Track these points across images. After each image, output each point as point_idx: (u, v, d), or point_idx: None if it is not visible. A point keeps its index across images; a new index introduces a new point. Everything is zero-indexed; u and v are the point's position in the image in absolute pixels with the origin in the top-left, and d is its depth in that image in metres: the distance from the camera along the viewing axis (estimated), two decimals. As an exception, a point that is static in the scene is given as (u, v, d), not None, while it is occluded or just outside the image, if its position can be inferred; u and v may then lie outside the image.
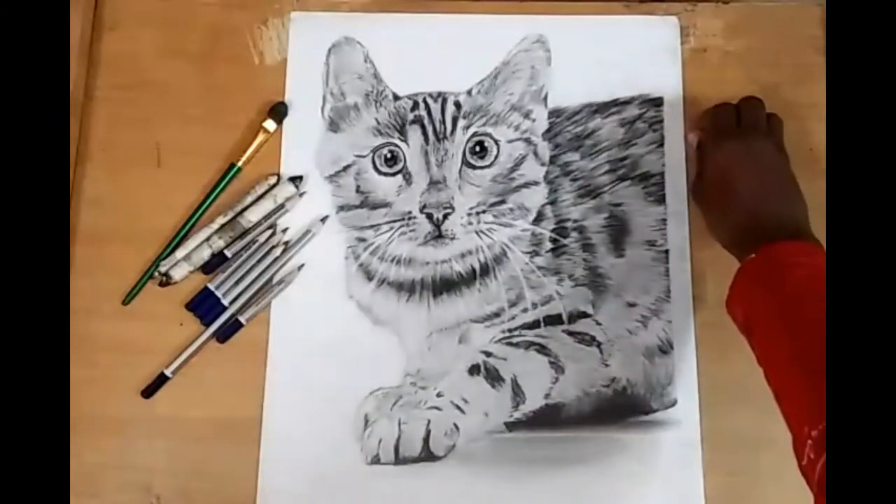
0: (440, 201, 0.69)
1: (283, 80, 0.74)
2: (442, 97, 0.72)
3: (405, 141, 0.71)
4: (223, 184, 0.71)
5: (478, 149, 0.71)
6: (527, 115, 0.72)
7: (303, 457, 0.67)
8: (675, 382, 0.68)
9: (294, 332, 0.69)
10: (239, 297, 0.69)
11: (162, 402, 0.68)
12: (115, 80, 0.74)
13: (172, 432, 0.67)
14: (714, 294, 0.69)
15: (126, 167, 0.72)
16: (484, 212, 0.70)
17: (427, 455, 0.66)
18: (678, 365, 0.68)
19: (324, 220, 0.71)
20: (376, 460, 0.67)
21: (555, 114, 0.73)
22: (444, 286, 0.70)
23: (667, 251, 0.71)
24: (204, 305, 0.69)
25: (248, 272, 0.70)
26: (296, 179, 0.71)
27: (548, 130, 0.73)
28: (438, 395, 0.68)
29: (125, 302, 0.70)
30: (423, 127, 0.71)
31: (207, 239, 0.70)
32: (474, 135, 0.71)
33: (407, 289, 0.70)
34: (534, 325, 0.69)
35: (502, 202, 0.71)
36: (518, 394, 0.68)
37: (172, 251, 0.70)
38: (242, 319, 0.69)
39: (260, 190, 0.71)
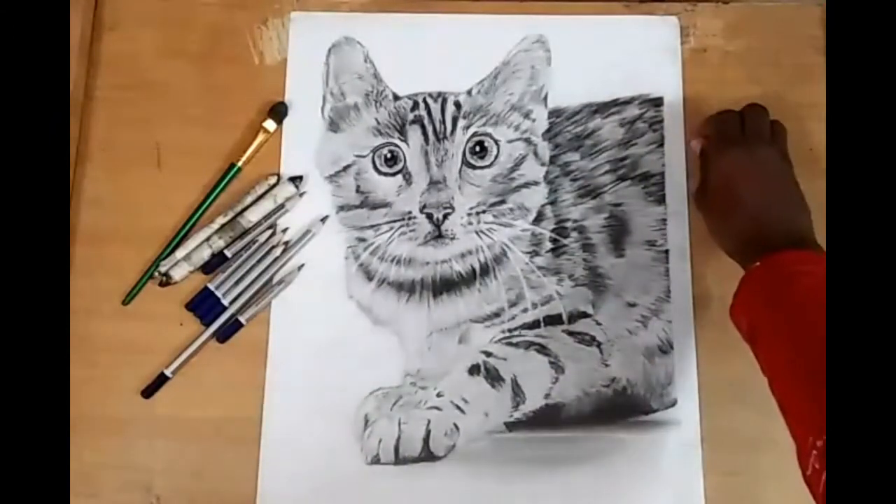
0: (440, 201, 0.69)
1: (283, 80, 0.74)
2: (442, 97, 0.72)
3: (405, 141, 0.71)
4: (223, 184, 0.71)
5: (478, 149, 0.71)
6: (527, 115, 0.73)
7: (303, 457, 0.67)
8: (675, 382, 0.68)
9: (294, 332, 0.69)
10: (239, 297, 0.69)
11: (162, 402, 0.68)
12: (115, 80, 0.74)
13: (172, 432, 0.67)
14: (714, 294, 0.69)
15: (126, 167, 0.72)
16: (484, 212, 0.70)
17: (427, 455, 0.66)
18: (678, 365, 0.68)
19: (324, 220, 0.71)
20: (376, 460, 0.67)
21: (555, 114, 0.73)
22: (444, 286, 0.70)
23: (667, 251, 0.71)
24: (204, 305, 0.69)
25: (248, 272, 0.70)
26: (296, 179, 0.71)
27: (548, 130, 0.73)
28: (438, 395, 0.68)
29: (125, 302, 0.70)
30: (423, 127, 0.71)
31: (207, 239, 0.70)
32: (474, 135, 0.71)
33: (407, 289, 0.70)
34: (534, 325, 0.69)
35: (502, 202, 0.71)
36: (518, 394, 0.68)
37: (172, 251, 0.70)
38: (242, 319, 0.69)
39: (260, 190, 0.71)
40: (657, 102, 0.73)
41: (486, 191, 0.71)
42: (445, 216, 0.69)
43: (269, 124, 0.72)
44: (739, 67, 0.74)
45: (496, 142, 0.71)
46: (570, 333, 0.69)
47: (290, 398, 0.68)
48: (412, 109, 0.72)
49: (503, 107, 0.72)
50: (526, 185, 0.71)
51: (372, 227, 0.71)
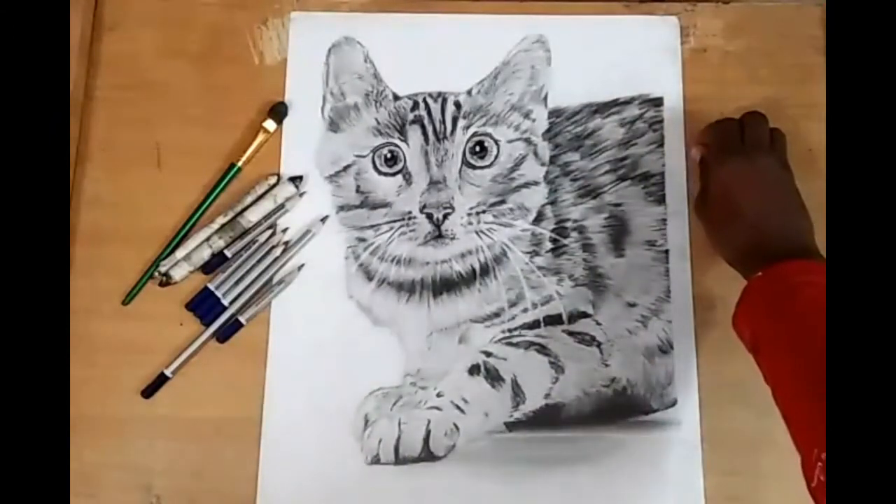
0: (440, 201, 0.69)
1: (283, 80, 0.74)
2: (442, 97, 0.72)
3: (405, 141, 0.71)
4: (223, 184, 0.71)
5: (478, 149, 0.71)
6: (527, 115, 0.73)
7: (303, 457, 0.67)
8: (675, 382, 0.68)
9: (294, 332, 0.69)
10: (239, 297, 0.69)
11: (162, 402, 0.68)
12: (115, 80, 0.74)
13: (172, 432, 0.67)
14: (714, 294, 0.69)
15: (126, 167, 0.72)
16: (484, 212, 0.70)
17: (427, 455, 0.66)
18: (678, 365, 0.68)
19: (324, 220, 0.71)
20: (376, 460, 0.67)
21: (555, 114, 0.73)
22: (444, 286, 0.70)
23: (667, 251, 0.71)
24: (204, 305, 0.69)
25: (248, 272, 0.70)
26: (296, 179, 0.71)
27: (548, 130, 0.73)
28: (438, 395, 0.68)
29: (125, 302, 0.70)
30: (423, 127, 0.71)
31: (207, 239, 0.70)
32: (474, 135, 0.71)
33: (407, 289, 0.70)
34: (534, 325, 0.69)
35: (502, 202, 0.71)
36: (518, 394, 0.68)
37: (172, 251, 0.70)
38: (242, 319, 0.69)
39: (260, 190, 0.71)
40: (657, 102, 0.73)
41: (486, 191, 0.71)
42: (445, 216, 0.69)
43: (269, 124, 0.72)
44: (739, 67, 0.74)
45: (496, 142, 0.71)
46: (570, 333, 0.69)
47: (290, 398, 0.68)
48: (412, 109, 0.72)
49: (503, 107, 0.72)
50: (526, 185, 0.71)
51: (372, 227, 0.71)
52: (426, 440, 0.66)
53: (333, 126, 0.73)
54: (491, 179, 0.71)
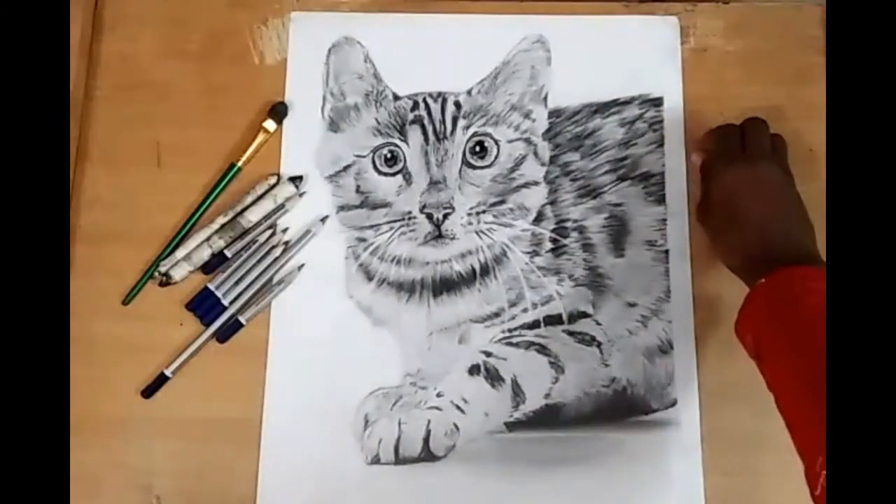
0: (440, 201, 0.69)
1: (283, 80, 0.74)
2: (442, 97, 0.72)
3: (405, 141, 0.71)
4: (223, 184, 0.71)
5: (478, 149, 0.71)
6: (527, 115, 0.73)
7: (303, 457, 0.67)
8: (675, 382, 0.68)
9: (294, 332, 0.69)
10: (239, 297, 0.69)
11: (162, 402, 0.68)
12: (115, 80, 0.74)
13: (172, 432, 0.67)
14: (714, 294, 0.69)
15: (126, 167, 0.72)
16: (484, 212, 0.70)
17: (427, 455, 0.66)
18: (678, 365, 0.68)
19: (324, 220, 0.71)
20: (376, 460, 0.67)
21: (555, 114, 0.73)
22: (444, 286, 0.70)
23: (667, 251, 0.71)
24: (204, 305, 0.69)
25: (248, 272, 0.70)
26: (296, 179, 0.71)
27: (548, 130, 0.73)
28: (438, 395, 0.68)
29: (125, 302, 0.70)
30: (423, 127, 0.71)
31: (207, 239, 0.70)
32: (474, 135, 0.71)
33: (407, 289, 0.70)
34: (534, 325, 0.69)
35: (502, 202, 0.71)
36: (518, 394, 0.68)
37: (172, 251, 0.70)
38: (242, 319, 0.69)
39: (260, 190, 0.71)
40: (657, 102, 0.73)
41: (486, 191, 0.71)
42: (445, 216, 0.69)
43: (269, 124, 0.72)
44: (739, 67, 0.74)
45: (496, 142, 0.71)
46: (570, 333, 0.69)
47: (290, 398, 0.68)
48: (412, 109, 0.72)
49: (503, 107, 0.72)
50: (526, 185, 0.71)
51: (372, 227, 0.71)
52: (426, 440, 0.66)
53: (333, 126, 0.73)
54: (491, 179, 0.71)
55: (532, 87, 0.73)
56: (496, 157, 0.71)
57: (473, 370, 0.68)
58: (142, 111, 0.73)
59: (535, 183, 0.71)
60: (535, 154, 0.72)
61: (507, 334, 0.69)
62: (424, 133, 0.71)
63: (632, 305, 0.70)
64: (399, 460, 0.66)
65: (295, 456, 0.67)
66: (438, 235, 0.69)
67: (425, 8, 0.75)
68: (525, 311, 0.69)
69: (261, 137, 0.72)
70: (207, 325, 0.69)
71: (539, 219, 0.71)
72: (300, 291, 0.70)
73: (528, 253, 0.70)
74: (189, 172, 0.72)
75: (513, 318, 0.69)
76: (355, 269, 0.71)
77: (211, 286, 0.69)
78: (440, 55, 0.74)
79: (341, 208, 0.71)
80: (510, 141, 0.72)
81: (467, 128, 0.71)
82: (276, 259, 0.70)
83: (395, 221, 0.70)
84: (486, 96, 0.72)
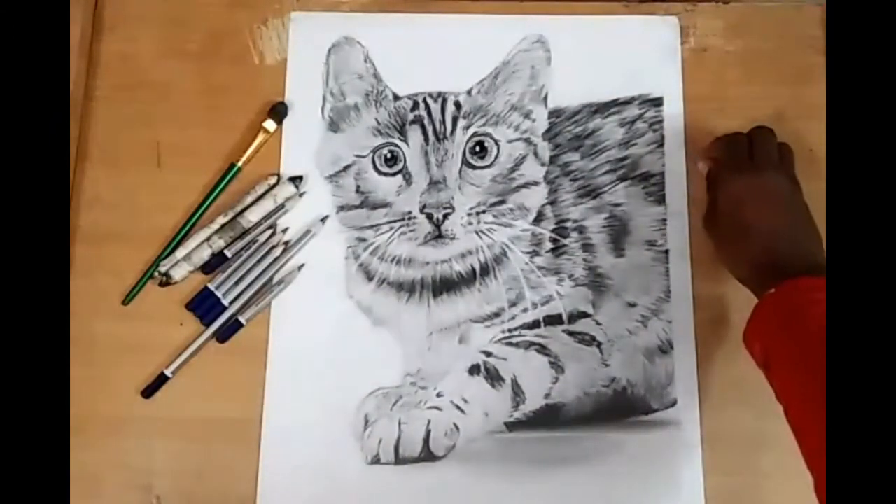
0: (440, 201, 0.69)
1: (283, 80, 0.74)
2: (442, 97, 0.72)
3: (405, 141, 0.71)
4: (223, 184, 0.71)
5: (478, 149, 0.71)
6: (527, 115, 0.73)
7: (303, 457, 0.67)
8: (675, 382, 0.68)
9: (294, 332, 0.69)
10: (239, 297, 0.69)
11: (162, 402, 0.68)
12: (115, 80, 0.74)
13: (172, 432, 0.67)
14: (714, 294, 0.69)
15: (126, 167, 0.72)
16: (484, 212, 0.70)
17: (427, 455, 0.66)
18: (678, 365, 0.68)
19: (324, 220, 0.71)
20: (376, 460, 0.67)
21: (555, 114, 0.73)
22: (444, 286, 0.70)
23: (667, 251, 0.71)
24: (204, 305, 0.69)
25: (248, 272, 0.70)
26: (296, 179, 0.71)
27: (548, 130, 0.73)
28: (438, 395, 0.68)
29: (125, 302, 0.70)
30: (423, 127, 0.71)
31: (207, 239, 0.70)
32: (474, 135, 0.71)
33: (407, 289, 0.70)
34: (534, 325, 0.69)
35: (502, 202, 0.71)
36: (518, 394, 0.68)
37: (172, 251, 0.70)
38: (242, 319, 0.69)
39: (260, 190, 0.71)
40: (657, 102, 0.73)
41: (486, 191, 0.71)
42: (445, 216, 0.69)
43: (269, 124, 0.72)
44: (739, 67, 0.74)
45: (496, 142, 0.71)
46: (570, 333, 0.69)
47: (290, 398, 0.68)
48: (412, 109, 0.72)
49: (503, 107, 0.72)
50: (526, 185, 0.71)
51: (372, 227, 0.71)
52: (426, 440, 0.66)
53: (333, 126, 0.73)
54: (491, 179, 0.71)
55: (532, 87, 0.73)
56: (496, 157, 0.71)
57: (473, 370, 0.68)
58: (142, 111, 0.73)
59: (535, 183, 0.71)
60: (535, 154, 0.72)
61: (507, 334, 0.69)
62: (424, 133, 0.71)
63: (632, 305, 0.70)
64: (399, 460, 0.66)
65: (295, 456, 0.67)
66: (438, 235, 0.69)
67: (425, 8, 0.75)
68: (525, 311, 0.69)
69: (261, 137, 0.72)
70: (207, 325, 0.69)
71: (539, 219, 0.71)
72: (300, 291, 0.70)
73: (528, 253, 0.70)
74: (189, 172, 0.72)
75: (513, 318, 0.69)
76: (355, 269, 0.71)
77: (211, 286, 0.69)
78: (440, 55, 0.74)
79: (341, 208, 0.71)
80: (510, 141, 0.72)
81: (467, 128, 0.71)
82: (276, 259, 0.70)
83: (395, 221, 0.70)
84: (486, 96, 0.72)
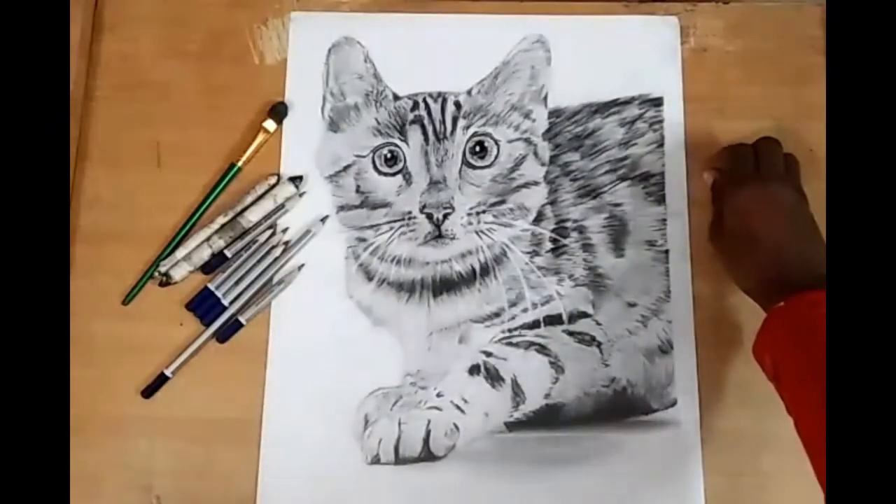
0: (440, 201, 0.69)
1: (283, 80, 0.74)
2: (442, 97, 0.72)
3: (405, 141, 0.71)
4: (223, 184, 0.71)
5: (478, 149, 0.71)
6: (527, 115, 0.73)
7: (303, 457, 0.67)
8: (675, 382, 0.68)
9: (294, 332, 0.69)
10: (239, 297, 0.69)
11: (162, 402, 0.68)
12: (115, 80, 0.74)
13: (172, 432, 0.67)
14: (714, 294, 0.69)
15: (126, 167, 0.72)
16: (484, 212, 0.70)
17: (427, 455, 0.66)
18: (678, 365, 0.68)
19: (324, 220, 0.71)
20: (376, 460, 0.67)
21: (555, 114, 0.73)
22: (444, 286, 0.70)
23: (667, 251, 0.71)
24: (204, 305, 0.69)
25: (248, 272, 0.70)
26: (296, 179, 0.71)
27: (548, 130, 0.73)
28: (438, 395, 0.68)
29: (125, 302, 0.70)
30: (423, 127, 0.71)
31: (207, 239, 0.70)
32: (474, 135, 0.71)
33: (407, 289, 0.70)
34: (534, 325, 0.69)
35: (502, 202, 0.71)
36: (518, 394, 0.68)
37: (172, 251, 0.70)
38: (242, 319, 0.69)
39: (260, 190, 0.71)
40: (657, 102, 0.73)
41: (486, 191, 0.71)
42: (445, 216, 0.69)
43: (269, 124, 0.72)
44: (739, 67, 0.74)
45: (496, 142, 0.71)
46: (570, 333, 0.69)
47: (290, 398, 0.68)
48: (412, 109, 0.72)
49: (503, 107, 0.72)
50: (526, 185, 0.71)
51: (372, 227, 0.71)
52: (426, 440, 0.66)
53: (333, 126, 0.73)
54: (491, 179, 0.71)
55: (532, 87, 0.73)
56: (496, 157, 0.71)
57: (473, 370, 0.68)
58: (142, 111, 0.73)
59: (535, 183, 0.71)
60: (535, 154, 0.72)
61: (507, 334, 0.69)
62: (424, 133, 0.71)
63: (632, 305, 0.70)
64: (399, 460, 0.66)
65: (295, 456, 0.67)
66: (438, 235, 0.69)
67: (425, 8, 0.75)
68: (525, 311, 0.69)
69: (261, 137, 0.72)
70: (207, 325, 0.69)
71: (539, 219, 0.71)
72: (300, 291, 0.70)
73: (528, 253, 0.70)
74: (189, 172, 0.72)
75: (513, 318, 0.69)
76: (355, 269, 0.71)
77: (211, 286, 0.69)
78: (440, 55, 0.74)
79: (341, 208, 0.71)
80: (510, 141, 0.72)
81: (467, 128, 0.71)
82: (276, 259, 0.70)
83: (395, 221, 0.70)
84: (486, 96, 0.72)
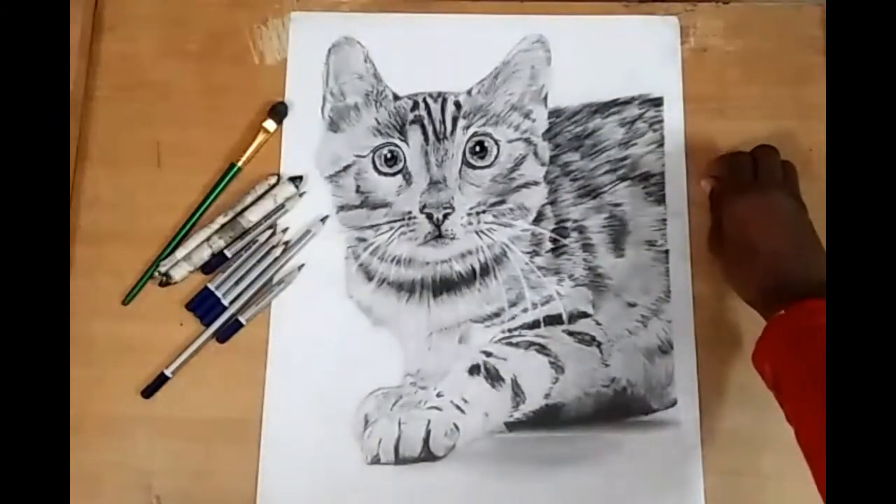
0: (440, 201, 0.69)
1: (283, 80, 0.74)
2: (442, 97, 0.72)
3: (405, 141, 0.71)
4: (223, 184, 0.71)
5: (478, 149, 0.71)
6: (527, 115, 0.73)
7: (303, 456, 0.67)
8: (675, 382, 0.68)
9: (294, 332, 0.69)
10: (239, 297, 0.69)
11: (162, 402, 0.68)
12: (115, 80, 0.74)
13: (172, 432, 0.67)
14: (714, 294, 0.69)
15: (126, 167, 0.72)
16: (484, 212, 0.70)
17: (427, 455, 0.66)
18: (678, 365, 0.68)
19: (324, 220, 0.71)
20: (376, 460, 0.67)
21: (555, 114, 0.73)
22: (444, 286, 0.70)
23: (667, 251, 0.71)
24: (204, 305, 0.69)
25: (248, 272, 0.70)
26: (296, 179, 0.71)
27: (548, 130, 0.73)
28: (438, 395, 0.68)
29: (125, 302, 0.70)
30: (423, 127, 0.71)
31: (207, 239, 0.70)
32: (474, 135, 0.71)
33: (407, 289, 0.70)
34: (534, 325, 0.69)
35: (502, 202, 0.71)
36: (518, 394, 0.68)
37: (172, 251, 0.70)
38: (242, 319, 0.69)
39: (260, 190, 0.71)
40: (657, 102, 0.73)
41: (486, 191, 0.71)
42: (445, 216, 0.69)
43: (269, 124, 0.72)
44: (739, 67, 0.74)
45: (496, 142, 0.71)
46: (570, 333, 0.69)
47: (290, 398, 0.68)
48: (412, 109, 0.72)
49: (503, 107, 0.72)
50: (526, 185, 0.71)
51: (372, 227, 0.71)
52: (426, 440, 0.66)
53: (333, 126, 0.73)
54: (491, 179, 0.71)
55: (532, 87, 0.73)
56: (496, 157, 0.71)
57: (473, 370, 0.68)
58: (142, 111, 0.73)
59: (535, 183, 0.71)
60: (535, 154, 0.72)
61: (507, 334, 0.69)
62: (424, 133, 0.71)
63: (632, 305, 0.70)
64: (399, 460, 0.66)
65: (295, 456, 0.67)
66: (438, 235, 0.69)
67: (425, 8, 0.75)
68: (525, 311, 0.69)
69: (261, 137, 0.72)
70: (207, 325, 0.69)
71: (539, 219, 0.71)
72: (300, 291, 0.70)
73: (528, 253, 0.70)
74: (189, 172, 0.72)
75: (513, 318, 0.69)
76: (355, 269, 0.71)
77: (211, 286, 0.69)
78: (440, 55, 0.74)
79: (341, 208, 0.71)
80: (510, 141, 0.72)
81: (467, 128, 0.71)
82: (276, 259, 0.70)
83: (395, 221, 0.70)
84: (486, 96, 0.72)
